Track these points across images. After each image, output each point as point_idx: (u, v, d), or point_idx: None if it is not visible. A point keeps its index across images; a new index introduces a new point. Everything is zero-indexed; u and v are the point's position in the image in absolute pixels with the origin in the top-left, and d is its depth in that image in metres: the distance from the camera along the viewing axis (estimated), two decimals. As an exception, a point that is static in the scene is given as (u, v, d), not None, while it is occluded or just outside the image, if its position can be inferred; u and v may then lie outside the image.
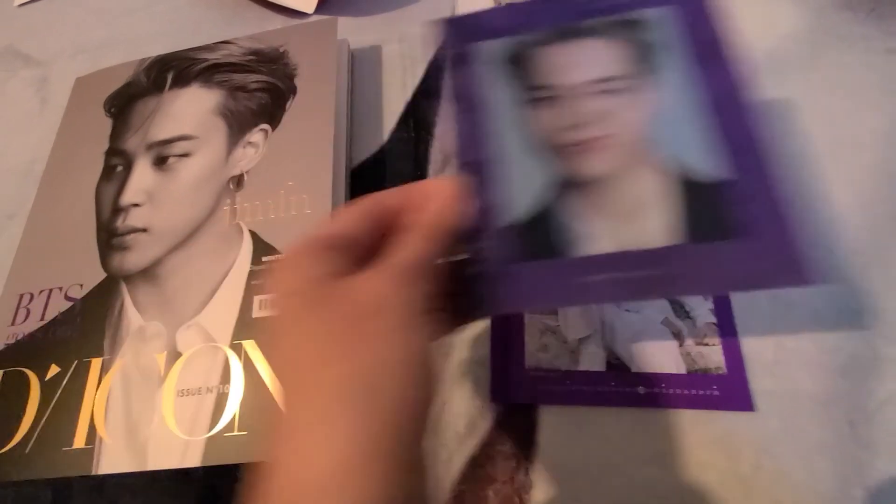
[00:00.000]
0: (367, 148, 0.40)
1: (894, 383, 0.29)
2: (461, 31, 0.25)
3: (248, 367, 0.30)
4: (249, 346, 0.30)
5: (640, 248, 0.20)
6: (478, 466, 0.30)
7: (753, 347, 0.30)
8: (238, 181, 0.35)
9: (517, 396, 0.31)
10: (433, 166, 0.38)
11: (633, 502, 0.28)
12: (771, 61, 0.37)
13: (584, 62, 0.23)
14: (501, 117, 0.23)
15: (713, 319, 0.31)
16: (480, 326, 0.33)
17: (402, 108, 0.41)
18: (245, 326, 0.31)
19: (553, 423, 0.30)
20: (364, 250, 0.20)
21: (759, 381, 0.29)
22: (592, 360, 0.31)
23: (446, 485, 0.29)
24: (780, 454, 0.28)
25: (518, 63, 0.24)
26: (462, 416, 0.31)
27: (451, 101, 0.24)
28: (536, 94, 0.23)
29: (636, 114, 0.22)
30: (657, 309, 0.32)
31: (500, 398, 0.31)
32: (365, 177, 0.39)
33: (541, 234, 0.21)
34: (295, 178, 0.35)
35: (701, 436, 0.29)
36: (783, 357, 0.30)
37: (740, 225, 0.19)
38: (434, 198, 0.21)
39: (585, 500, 0.28)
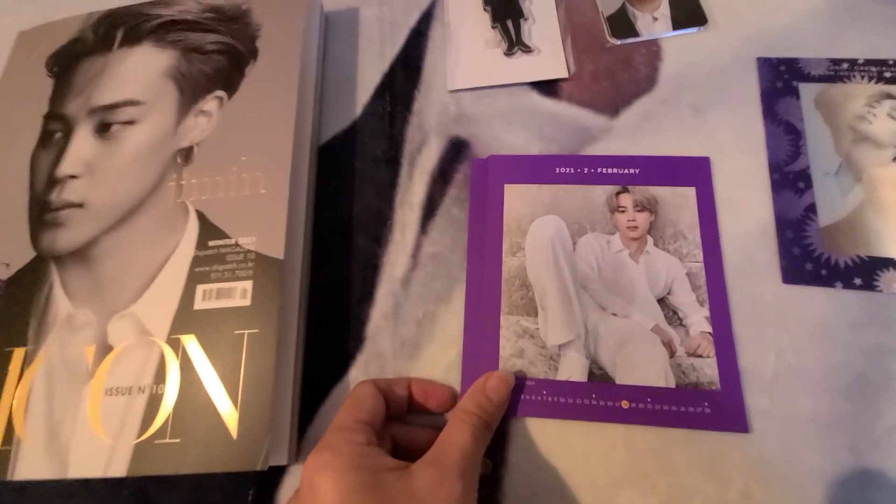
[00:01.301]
0: (338, 122, 0.36)
1: (904, 406, 0.26)
2: (787, 69, 0.33)
3: (186, 365, 0.26)
4: (189, 341, 0.27)
5: None
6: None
7: (751, 361, 0.27)
8: (187, 154, 0.31)
9: (488, 406, 0.28)
10: (408, 145, 0.35)
11: (609, 530, 0.25)
12: (786, 38, 0.34)
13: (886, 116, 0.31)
14: (818, 143, 0.30)
15: (708, 328, 0.28)
16: (454, 326, 0.30)
17: (378, 79, 0.37)
18: (185, 319, 0.27)
19: (526, 436, 0.27)
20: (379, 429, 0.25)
21: (756, 400, 0.27)
22: (573, 369, 0.28)
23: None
24: (774, 482, 0.25)
25: (829, 105, 0.31)
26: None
27: (769, 120, 0.32)
28: (851, 134, 0.30)
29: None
30: (647, 314, 0.28)
31: (469, 407, 0.28)
32: (334, 154, 0.35)
33: (857, 232, 0.28)
34: (250, 153, 0.31)
35: (688, 458, 0.26)
36: (784, 374, 0.27)
37: None
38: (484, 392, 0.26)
39: (557, 526, 0.25)
